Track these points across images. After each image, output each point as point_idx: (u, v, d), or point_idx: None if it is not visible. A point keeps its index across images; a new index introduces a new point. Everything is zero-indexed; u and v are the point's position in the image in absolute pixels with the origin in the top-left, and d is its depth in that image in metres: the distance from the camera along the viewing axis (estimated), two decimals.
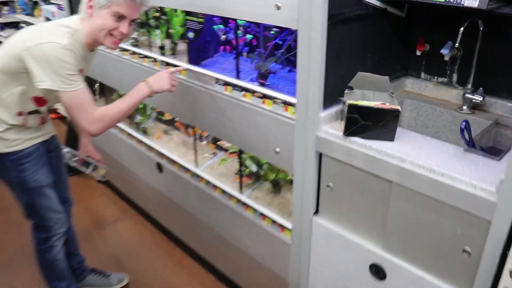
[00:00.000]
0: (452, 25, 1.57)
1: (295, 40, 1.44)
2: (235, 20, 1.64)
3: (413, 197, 1.22)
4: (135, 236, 2.73)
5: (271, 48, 1.59)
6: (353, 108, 1.30)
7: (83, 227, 2.74)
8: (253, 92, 1.61)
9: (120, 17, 1.49)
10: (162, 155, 2.38)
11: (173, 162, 2.31)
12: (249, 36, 1.67)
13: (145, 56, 2.18)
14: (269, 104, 1.56)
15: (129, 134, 2.65)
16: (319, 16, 1.26)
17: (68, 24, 1.53)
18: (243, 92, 1.65)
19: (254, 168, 1.95)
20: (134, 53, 2.27)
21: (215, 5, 1.63)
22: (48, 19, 3.50)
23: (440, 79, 1.69)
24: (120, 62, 2.39)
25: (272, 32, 1.53)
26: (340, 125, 1.42)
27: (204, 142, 2.26)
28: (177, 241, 2.57)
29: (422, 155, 1.24)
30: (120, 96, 2.73)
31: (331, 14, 1.28)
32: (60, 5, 3.43)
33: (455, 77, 1.63)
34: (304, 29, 1.32)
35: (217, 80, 1.75)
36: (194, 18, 1.80)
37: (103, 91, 2.92)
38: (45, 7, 3.67)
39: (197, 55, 1.92)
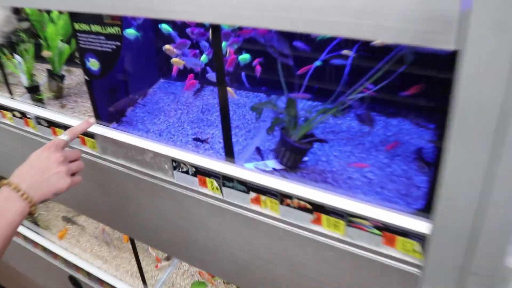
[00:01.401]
0: None
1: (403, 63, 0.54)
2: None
3: None
4: None
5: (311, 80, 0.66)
6: None
7: None
8: (279, 197, 0.67)
9: None
10: (76, 267, 1.34)
11: (98, 280, 1.29)
12: (243, 57, 0.71)
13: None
14: (332, 228, 0.64)
15: None
16: None
17: None
18: (254, 195, 0.70)
19: None
20: None
21: None
22: None
23: None
24: None
25: (318, 38, 0.60)
26: None
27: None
28: None
29: None
30: None
31: None
32: None
33: None
34: (491, 49, 0.41)
35: (176, 164, 0.77)
36: (97, 28, 0.77)
37: None
38: None
39: (109, 103, 0.91)
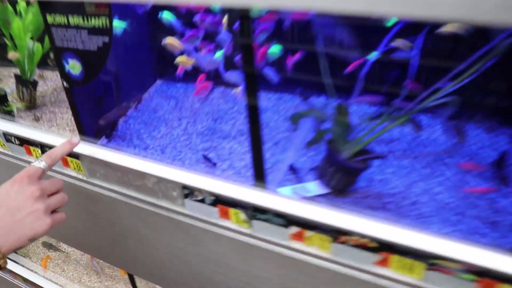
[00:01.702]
0: None
1: None
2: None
3: None
4: None
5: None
6: None
7: None
8: (332, 233, 0.51)
9: None
10: None
11: None
12: (274, 50, 0.56)
13: None
14: (406, 271, 0.49)
15: None
16: None
17: None
18: (296, 229, 0.54)
19: None
20: None
21: None
22: None
23: None
24: None
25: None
26: None
27: None
28: None
29: None
30: None
31: None
32: None
33: None
34: None
35: (189, 192, 0.61)
36: (77, 20, 0.59)
37: None
38: None
39: (96, 113, 0.74)
